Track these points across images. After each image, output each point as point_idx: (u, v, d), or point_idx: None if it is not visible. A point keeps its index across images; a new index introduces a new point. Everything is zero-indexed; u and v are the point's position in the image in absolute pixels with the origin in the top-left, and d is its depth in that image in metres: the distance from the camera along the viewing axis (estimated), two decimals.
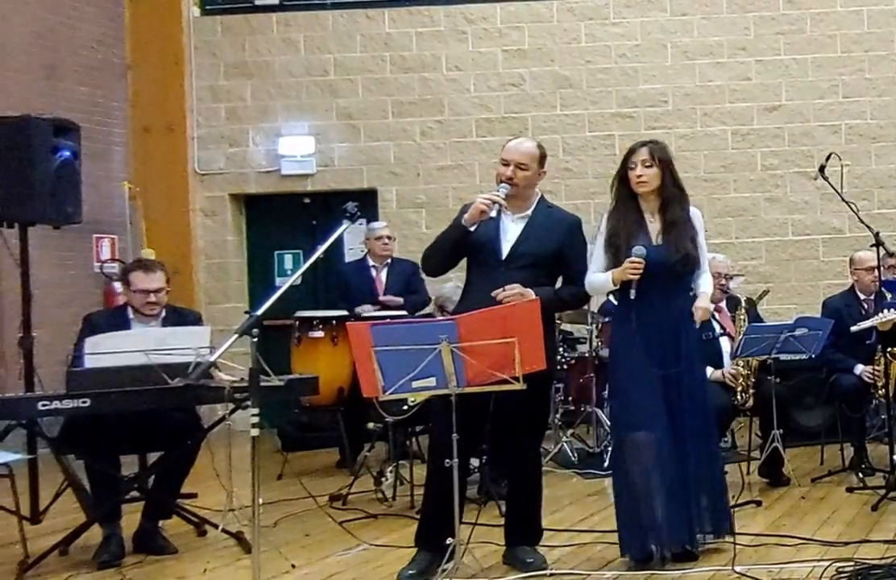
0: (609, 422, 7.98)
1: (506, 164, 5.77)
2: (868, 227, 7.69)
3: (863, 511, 7.01)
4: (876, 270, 8.04)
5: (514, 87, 12.41)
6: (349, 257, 11.54)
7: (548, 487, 6.49)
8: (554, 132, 12.28)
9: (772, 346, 7.69)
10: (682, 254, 5.79)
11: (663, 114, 12.28)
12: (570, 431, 9.56)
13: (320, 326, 8.98)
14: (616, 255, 5.78)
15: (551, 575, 5.68)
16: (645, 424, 5.76)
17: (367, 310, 9.19)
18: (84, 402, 5.83)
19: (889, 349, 7.79)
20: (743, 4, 12.30)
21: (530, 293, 5.58)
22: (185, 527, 6.81)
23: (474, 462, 7.05)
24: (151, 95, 12.21)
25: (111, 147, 11.82)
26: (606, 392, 8.22)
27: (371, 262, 9.65)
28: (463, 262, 5.90)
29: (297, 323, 9.04)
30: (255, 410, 4.91)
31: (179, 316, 6.75)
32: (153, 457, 6.73)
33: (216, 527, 6.54)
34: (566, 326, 10.16)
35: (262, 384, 5.21)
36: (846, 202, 7.68)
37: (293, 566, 6.00)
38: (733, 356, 7.89)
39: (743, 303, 8.26)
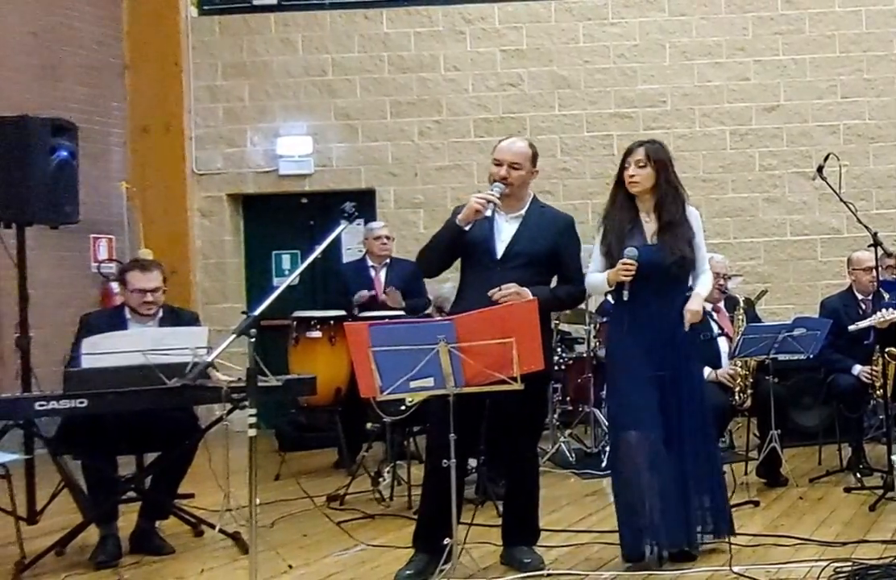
0: (607, 423, 7.97)
1: (498, 164, 5.77)
2: (866, 227, 7.68)
3: (860, 511, 7.02)
4: (874, 270, 8.04)
5: (512, 88, 12.40)
6: (347, 257, 11.54)
7: (545, 487, 6.50)
8: (552, 132, 12.28)
9: (770, 347, 7.68)
10: (677, 256, 5.78)
11: (662, 114, 12.27)
12: (567, 431, 9.55)
13: (318, 326, 8.97)
14: (610, 254, 5.79)
15: (549, 575, 5.68)
16: (639, 425, 5.76)
17: (363, 295, 9.20)
18: (81, 403, 5.83)
19: (887, 349, 7.78)
20: (741, 5, 12.29)
21: (527, 292, 5.59)
22: (183, 527, 6.81)
23: (472, 462, 7.04)
24: (149, 95, 12.19)
25: (109, 147, 11.81)
26: (604, 392, 8.22)
27: (370, 263, 9.63)
28: (459, 263, 5.90)
29: (295, 323, 9.04)
30: (253, 410, 4.89)
31: (176, 316, 6.74)
32: (150, 457, 6.72)
33: (213, 527, 6.52)
34: (564, 327, 10.16)
35: (260, 384, 5.20)
36: (844, 202, 7.68)
37: (290, 566, 6.00)
38: (731, 356, 7.89)
39: (741, 304, 8.26)
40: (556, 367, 9.55)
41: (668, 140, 11.19)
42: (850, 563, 5.57)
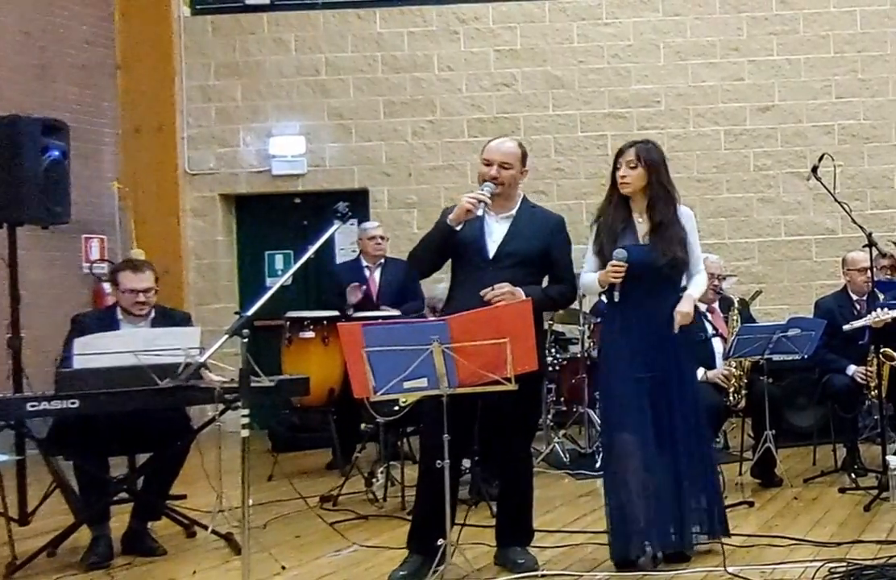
0: (600, 423, 7.95)
1: (488, 163, 5.76)
2: (861, 227, 7.67)
3: (855, 511, 7.01)
4: (868, 271, 8.02)
5: (506, 88, 12.39)
6: (340, 257, 11.52)
7: (539, 488, 6.48)
8: (546, 132, 12.28)
9: (764, 347, 7.68)
10: (668, 257, 5.76)
11: (656, 114, 12.27)
12: (561, 432, 9.53)
13: (311, 327, 8.95)
14: (602, 254, 5.78)
15: (542, 576, 5.66)
16: (630, 426, 5.75)
17: (355, 290, 9.18)
18: (73, 403, 5.80)
19: (882, 350, 7.77)
20: (736, 5, 12.30)
21: (520, 292, 5.58)
22: (175, 528, 6.78)
23: (466, 463, 7.03)
24: (141, 95, 12.17)
25: (101, 147, 11.78)
26: (598, 392, 8.20)
27: (364, 263, 9.61)
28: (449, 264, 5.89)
29: (288, 323, 9.01)
30: (246, 411, 4.88)
31: (168, 316, 6.72)
32: (142, 458, 6.69)
33: (206, 528, 6.52)
34: (558, 327, 10.15)
35: (253, 385, 5.19)
36: (839, 203, 7.67)
37: (283, 567, 5.97)
38: (726, 357, 7.89)
39: (735, 304, 8.28)
40: (550, 368, 9.55)
41: (662, 140, 11.14)
42: (844, 564, 5.56)
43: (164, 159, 12.27)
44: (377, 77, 12.44)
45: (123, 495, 6.53)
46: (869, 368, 8.01)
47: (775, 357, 7.80)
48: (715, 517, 5.97)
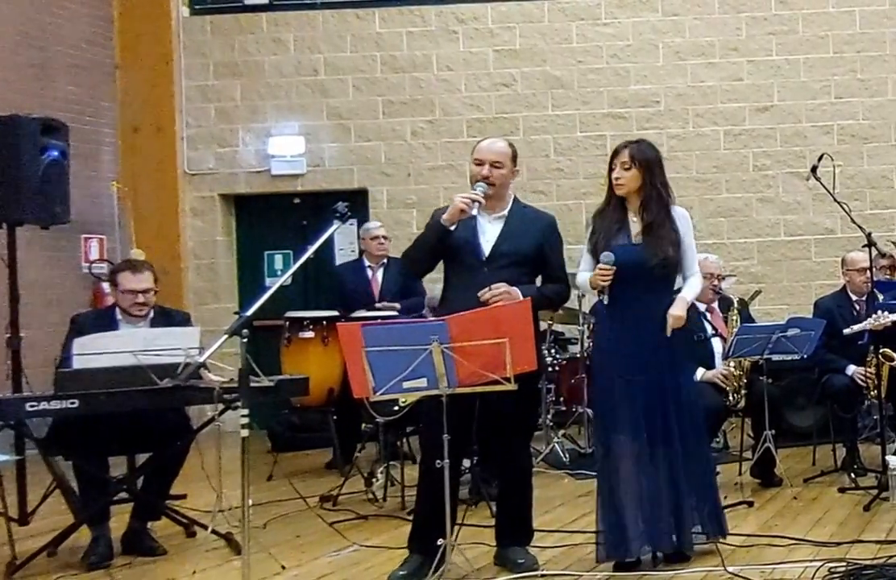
0: None
1: (480, 163, 5.78)
2: (860, 227, 7.68)
3: (855, 511, 7.01)
4: (868, 271, 8.02)
5: (505, 88, 12.39)
6: (339, 258, 11.54)
7: (539, 488, 6.48)
8: (545, 132, 12.28)
9: (764, 347, 7.68)
10: (659, 257, 5.74)
11: (655, 114, 12.27)
12: (561, 432, 9.53)
13: (310, 327, 8.95)
14: (596, 254, 5.78)
15: (542, 575, 5.66)
16: (621, 427, 5.75)
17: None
18: (72, 403, 5.80)
19: (881, 350, 7.77)
20: (735, 5, 12.29)
21: (517, 292, 5.59)
22: (175, 528, 6.78)
23: (465, 463, 7.02)
24: (141, 95, 12.16)
25: (100, 147, 11.78)
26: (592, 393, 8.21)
27: (367, 263, 9.63)
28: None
29: (288, 323, 9.01)
30: (245, 411, 4.87)
31: (167, 316, 6.71)
32: (142, 458, 6.69)
33: (206, 528, 6.51)
34: (558, 327, 10.14)
35: (252, 385, 5.19)
36: (838, 203, 7.67)
37: (283, 567, 5.97)
38: (725, 357, 7.88)
39: (735, 304, 8.25)
40: (550, 368, 9.55)
41: (661, 140, 11.28)
42: (844, 564, 5.56)
43: (163, 159, 12.27)
44: (376, 77, 12.43)
45: (123, 495, 6.52)
46: (868, 370, 8.01)
47: (775, 357, 7.79)
48: (712, 518, 5.96)
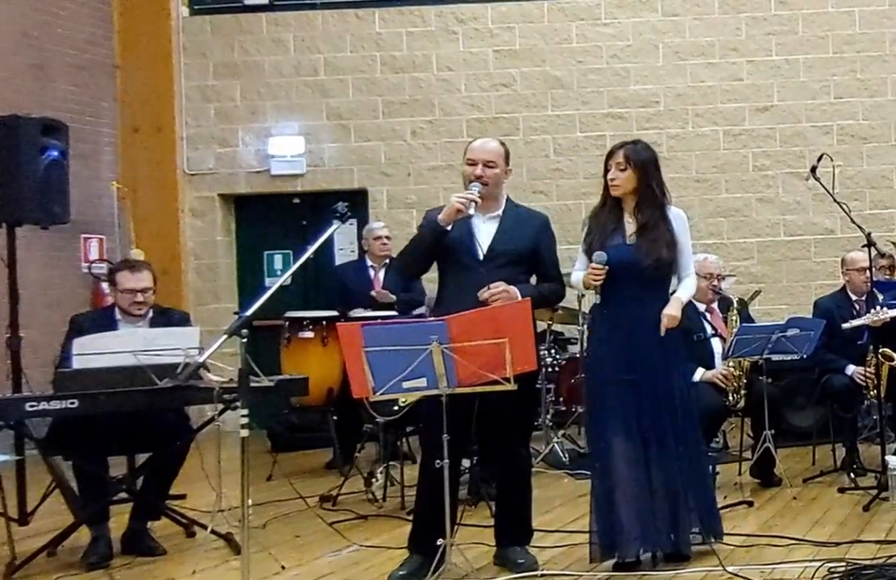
0: None
1: (473, 163, 5.79)
2: (860, 227, 7.67)
3: (854, 511, 7.01)
4: (868, 271, 8.02)
5: (505, 88, 12.38)
6: (339, 258, 11.54)
7: (539, 488, 6.48)
8: (545, 132, 12.28)
9: (763, 347, 7.68)
10: (653, 258, 5.74)
11: (655, 114, 12.26)
12: (561, 432, 9.53)
13: (310, 327, 8.95)
14: (589, 254, 5.79)
15: (542, 575, 5.66)
16: (612, 429, 5.74)
17: (358, 313, 9.17)
18: (72, 403, 5.80)
19: (881, 350, 7.77)
20: (734, 5, 12.29)
21: (515, 290, 5.60)
22: (174, 528, 6.78)
23: (465, 463, 7.02)
24: (140, 95, 12.16)
25: (100, 147, 11.77)
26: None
27: (370, 263, 9.62)
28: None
29: (287, 323, 9.01)
30: (245, 411, 4.87)
31: (166, 316, 6.71)
32: (142, 458, 6.69)
33: (205, 528, 6.51)
34: (557, 327, 10.14)
35: (252, 385, 5.19)
36: (838, 203, 7.66)
37: (283, 567, 5.97)
38: (725, 357, 7.88)
39: (734, 304, 8.25)
40: (549, 368, 9.55)
41: (661, 140, 11.31)
42: (843, 564, 5.55)
43: (163, 159, 12.27)
44: (376, 77, 12.43)
45: (123, 495, 6.52)
46: (868, 369, 8.01)
47: (774, 357, 7.80)
48: (708, 519, 5.94)
